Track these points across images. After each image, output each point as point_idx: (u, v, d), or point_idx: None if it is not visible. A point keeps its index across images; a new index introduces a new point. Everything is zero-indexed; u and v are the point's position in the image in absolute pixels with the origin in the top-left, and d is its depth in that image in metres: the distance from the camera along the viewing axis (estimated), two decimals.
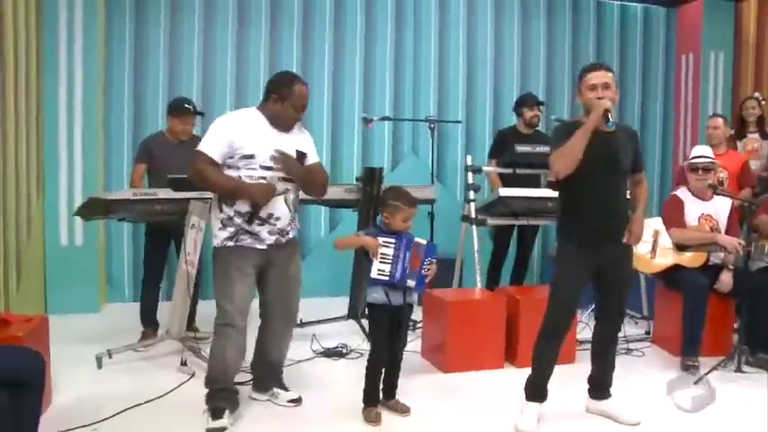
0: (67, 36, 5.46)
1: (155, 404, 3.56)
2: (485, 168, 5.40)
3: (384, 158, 6.58)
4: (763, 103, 5.93)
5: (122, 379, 3.98)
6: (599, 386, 3.62)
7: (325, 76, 6.44)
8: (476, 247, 5.03)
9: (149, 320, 4.75)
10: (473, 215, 5.07)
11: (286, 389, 3.67)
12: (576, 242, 3.35)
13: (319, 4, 6.41)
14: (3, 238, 4.67)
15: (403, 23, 6.65)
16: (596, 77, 3.30)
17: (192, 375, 3.97)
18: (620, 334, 4.69)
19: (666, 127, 7.43)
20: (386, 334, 3.43)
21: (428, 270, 3.44)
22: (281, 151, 3.32)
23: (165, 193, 4.21)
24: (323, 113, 6.43)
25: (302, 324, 4.86)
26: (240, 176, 3.29)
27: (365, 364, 3.51)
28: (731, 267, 4.59)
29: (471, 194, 5.14)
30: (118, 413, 3.39)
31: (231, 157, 3.28)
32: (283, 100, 3.35)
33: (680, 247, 4.57)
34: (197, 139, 4.50)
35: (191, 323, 4.59)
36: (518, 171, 5.21)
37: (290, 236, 3.48)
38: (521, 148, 5.10)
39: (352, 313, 4.88)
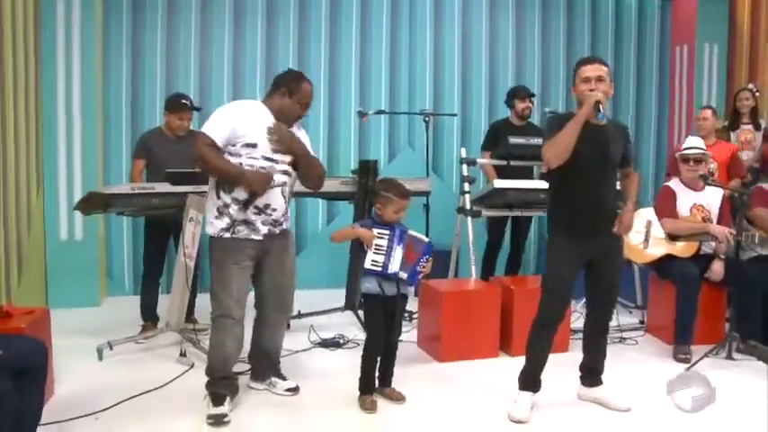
0: (65, 32, 5.49)
1: (154, 394, 3.62)
2: (479, 161, 5.45)
3: (381, 152, 6.63)
4: (758, 94, 5.98)
5: (123, 370, 4.04)
6: (591, 374, 3.68)
7: (321, 70, 6.48)
8: (471, 238, 5.09)
9: (149, 314, 4.81)
10: (468, 207, 5.13)
11: (284, 378, 3.73)
12: (567, 233, 3.40)
13: (315, 1, 6.45)
14: (3, 234, 4.73)
15: (398, 17, 6.69)
16: (590, 70, 3.34)
17: (192, 366, 4.03)
18: (614, 323, 4.82)
19: (661, 118, 7.48)
20: (380, 323, 3.49)
21: (423, 268, 3.52)
22: (277, 123, 3.39)
23: (163, 188, 4.26)
24: (319, 107, 6.46)
25: (300, 315, 4.94)
26: (241, 164, 3.34)
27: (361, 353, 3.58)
28: (722, 257, 4.65)
29: (466, 186, 5.20)
30: (118, 403, 3.46)
31: (233, 145, 3.32)
32: (291, 94, 3.44)
33: (672, 237, 4.63)
34: (194, 135, 4.57)
35: (189, 315, 4.65)
36: (512, 163, 5.26)
37: (284, 227, 3.54)
38: (514, 140, 5.15)
39: (349, 304, 4.94)
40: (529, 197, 5.02)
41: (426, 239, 3.57)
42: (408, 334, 4.65)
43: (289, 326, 4.83)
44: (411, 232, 3.53)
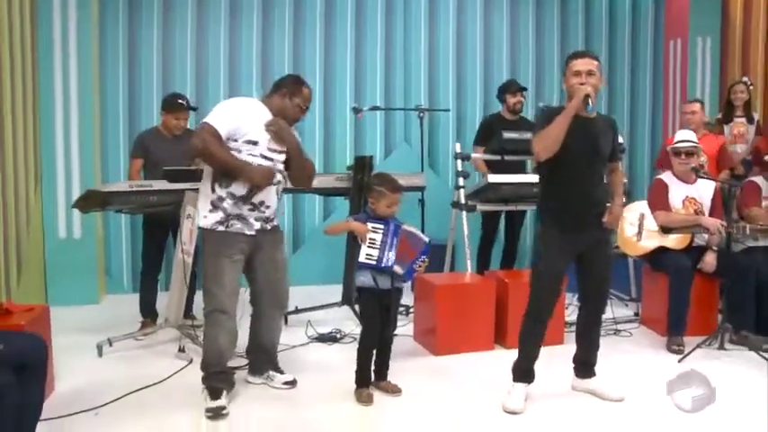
0: (61, 31, 5.52)
1: (154, 389, 3.66)
2: (473, 155, 5.48)
3: (377, 147, 6.67)
4: (752, 87, 6.02)
5: (122, 366, 4.09)
6: (584, 366, 3.72)
7: (316, 66, 6.52)
8: (466, 233, 5.14)
9: (148, 311, 4.85)
10: (463, 201, 5.17)
11: (281, 372, 3.77)
12: (557, 226, 3.44)
13: None
14: (2, 232, 4.77)
15: (393, 13, 6.73)
16: (581, 64, 3.38)
17: (190, 362, 4.06)
18: (609, 316, 4.89)
19: (656, 112, 7.52)
20: (375, 317, 3.53)
21: (420, 267, 3.57)
22: (275, 118, 3.44)
23: (161, 185, 4.29)
24: (315, 104, 6.48)
25: (297, 310, 4.99)
26: None
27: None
28: (715, 249, 4.69)
29: (461, 181, 5.24)
30: (118, 398, 3.50)
31: (235, 140, 3.35)
32: (292, 96, 3.51)
33: (665, 230, 4.67)
34: (191, 134, 4.61)
35: (188, 311, 4.69)
36: (506, 157, 5.29)
37: (275, 223, 3.59)
38: (508, 135, 5.18)
39: (346, 299, 4.98)
40: (522, 191, 5.05)
41: (425, 239, 3.61)
42: (405, 328, 4.70)
43: (286, 321, 4.90)
44: (407, 227, 3.56)
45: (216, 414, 3.31)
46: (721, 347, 4.43)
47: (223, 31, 6.31)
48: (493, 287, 4.52)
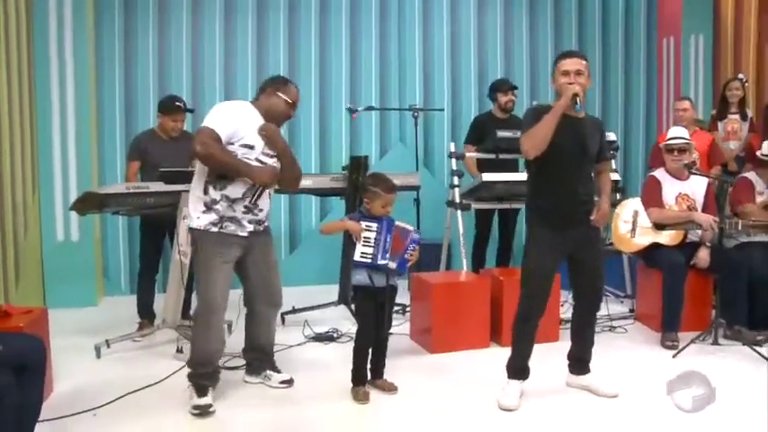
0: (57, 35, 5.55)
1: (152, 390, 3.68)
2: (467, 154, 5.50)
3: (372, 147, 6.70)
4: (747, 84, 6.06)
5: (120, 367, 4.11)
6: (579, 362, 3.75)
7: (311, 67, 6.56)
8: (461, 231, 5.17)
9: (146, 312, 4.87)
10: (458, 200, 5.20)
11: (278, 371, 3.80)
12: (546, 224, 3.47)
13: None
14: (1, 236, 4.79)
15: (387, 14, 6.77)
16: (569, 64, 3.41)
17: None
18: (604, 312, 4.92)
19: (650, 109, 7.56)
20: (371, 315, 3.56)
21: (411, 255, 3.59)
22: (267, 124, 3.47)
23: (158, 187, 4.32)
24: (310, 104, 6.54)
25: (294, 310, 5.02)
26: None
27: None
28: (708, 244, 4.73)
29: (455, 180, 5.27)
30: (116, 399, 3.52)
31: (231, 143, 3.36)
32: (277, 92, 3.53)
33: (658, 226, 4.71)
34: (187, 135, 4.64)
35: (185, 312, 4.70)
36: (500, 156, 5.31)
37: (266, 224, 3.62)
38: (502, 134, 5.20)
39: (343, 298, 5.02)
40: (516, 189, 5.07)
41: (411, 228, 3.64)
42: (401, 327, 4.74)
43: (284, 321, 4.94)
44: (398, 223, 3.60)
45: (203, 411, 3.34)
46: (715, 343, 4.47)
47: (218, 33, 6.34)
48: (488, 285, 4.55)
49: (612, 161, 5.75)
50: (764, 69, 6.56)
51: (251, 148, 3.41)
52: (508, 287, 4.45)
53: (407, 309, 5.00)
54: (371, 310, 3.56)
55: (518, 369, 3.58)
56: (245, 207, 3.45)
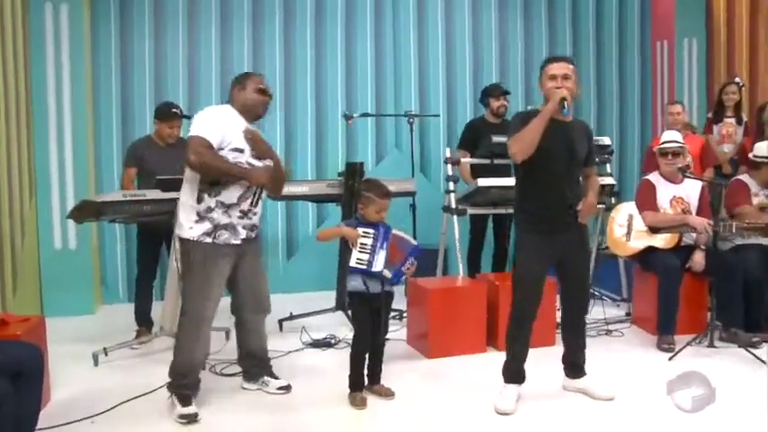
0: (54, 42, 5.57)
1: (149, 398, 3.68)
2: (463, 160, 5.51)
3: (368, 153, 6.72)
4: (744, 88, 6.09)
5: (118, 375, 4.12)
6: (573, 366, 3.77)
7: (307, 74, 6.58)
8: (457, 236, 5.19)
9: (143, 319, 4.87)
10: (453, 205, 5.22)
11: (276, 377, 3.81)
12: (534, 229, 3.49)
13: (300, 6, 6.54)
14: None
15: (382, 21, 6.79)
16: (556, 68, 3.44)
17: None
18: (600, 316, 4.94)
19: (644, 113, 7.58)
20: (367, 321, 3.58)
21: (408, 269, 3.61)
22: (249, 128, 3.48)
23: (154, 194, 4.32)
24: (306, 111, 6.57)
25: (292, 317, 5.03)
26: None
27: None
28: (703, 247, 4.74)
29: (451, 186, 5.30)
30: (114, 407, 3.53)
31: (221, 149, 3.37)
32: (244, 86, 3.55)
33: (653, 230, 4.73)
34: (184, 142, 4.63)
35: None
36: (495, 161, 5.32)
37: (258, 229, 3.64)
38: (497, 139, 5.22)
39: (340, 304, 5.03)
40: (511, 195, 5.01)
41: (414, 242, 3.66)
42: (398, 332, 4.76)
43: (281, 327, 4.96)
44: (396, 231, 3.61)
45: (191, 420, 3.35)
46: (711, 345, 4.48)
47: (214, 39, 6.36)
48: (484, 290, 4.57)
49: (607, 165, 5.83)
50: (757, 72, 6.60)
51: (241, 151, 3.42)
52: (504, 292, 4.44)
53: (404, 314, 5.01)
54: (367, 316, 3.58)
55: (514, 373, 3.59)
56: (241, 212, 3.45)
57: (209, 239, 3.40)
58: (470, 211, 5.30)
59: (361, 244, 3.51)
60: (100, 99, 6.07)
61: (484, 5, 7.07)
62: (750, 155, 5.03)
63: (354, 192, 4.76)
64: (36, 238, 5.57)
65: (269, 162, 3.53)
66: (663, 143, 4.91)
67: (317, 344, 4.65)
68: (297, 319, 5.03)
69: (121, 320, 5.13)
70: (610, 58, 7.47)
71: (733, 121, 5.98)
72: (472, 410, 3.54)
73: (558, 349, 3.97)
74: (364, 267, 3.50)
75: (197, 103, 6.22)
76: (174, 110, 4.85)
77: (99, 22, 6.04)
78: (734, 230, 4.47)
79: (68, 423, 3.32)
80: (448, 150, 5.55)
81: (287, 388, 3.77)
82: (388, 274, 3.54)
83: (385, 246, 3.52)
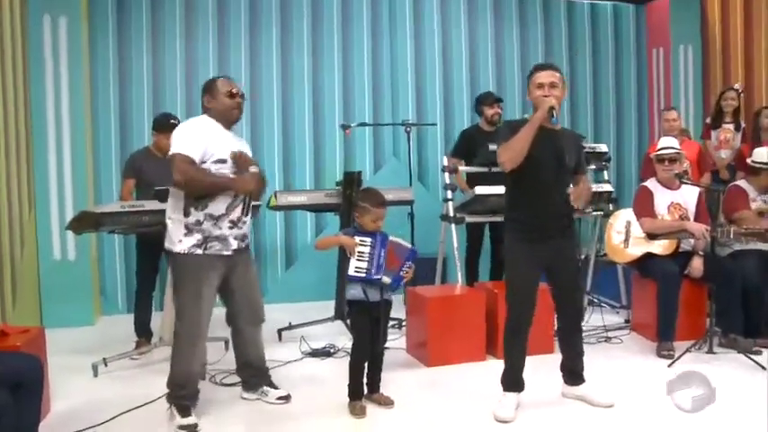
0: (53, 55, 5.60)
1: (149, 408, 3.68)
2: (461, 168, 5.53)
3: (366, 163, 6.75)
4: (742, 94, 6.12)
5: (118, 385, 4.12)
6: (572, 373, 3.77)
7: (305, 85, 6.61)
8: (455, 245, 5.20)
9: (143, 330, 4.87)
10: (451, 214, 5.23)
11: (275, 387, 3.81)
12: (522, 237, 3.50)
13: (297, 17, 6.58)
14: None
15: (379, 31, 6.83)
16: (544, 76, 3.46)
17: None
18: (600, 323, 4.94)
19: (641, 120, 7.63)
20: (366, 330, 3.58)
21: (406, 273, 3.62)
22: (238, 152, 3.45)
23: (153, 205, 4.34)
24: (304, 121, 6.60)
25: (291, 327, 5.04)
26: None
27: None
28: (701, 253, 4.74)
29: (449, 194, 5.31)
30: (114, 417, 3.52)
31: (203, 162, 3.35)
32: (214, 94, 3.51)
33: (651, 236, 4.74)
34: None
35: None
36: (493, 170, 5.33)
37: (248, 240, 3.63)
38: (494, 147, 5.22)
39: (339, 314, 5.03)
40: None
41: (409, 246, 3.68)
42: (397, 341, 4.76)
43: (280, 337, 4.96)
44: (393, 238, 3.63)
45: (190, 431, 3.35)
46: (710, 351, 4.48)
47: (212, 51, 6.39)
48: (483, 298, 4.58)
49: (605, 172, 5.85)
50: (753, 78, 6.63)
51: (224, 162, 3.40)
52: (503, 300, 4.38)
53: (403, 323, 5.01)
54: (366, 325, 3.58)
55: (512, 381, 3.59)
56: (231, 222, 3.44)
57: (199, 251, 3.38)
58: (468, 219, 5.31)
59: (359, 252, 3.52)
60: (98, 111, 6.09)
61: (480, 14, 7.11)
62: (748, 160, 5.05)
63: (352, 201, 4.78)
64: (35, 249, 5.58)
65: (254, 169, 3.51)
66: (660, 149, 4.92)
67: (316, 353, 4.65)
68: (296, 329, 5.03)
69: (121, 331, 5.12)
70: (606, 65, 7.52)
71: (731, 126, 6.01)
72: (471, 419, 3.54)
73: (556, 357, 3.98)
74: (363, 275, 3.51)
75: (195, 114, 6.10)
76: (173, 121, 4.86)
77: (97, 35, 6.06)
78: (732, 236, 4.48)
79: None
80: (445, 159, 5.57)
81: (287, 398, 3.76)
82: (387, 280, 3.55)
83: (383, 253, 3.53)
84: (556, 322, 3.81)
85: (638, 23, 7.55)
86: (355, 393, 3.61)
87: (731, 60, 6.83)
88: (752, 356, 4.29)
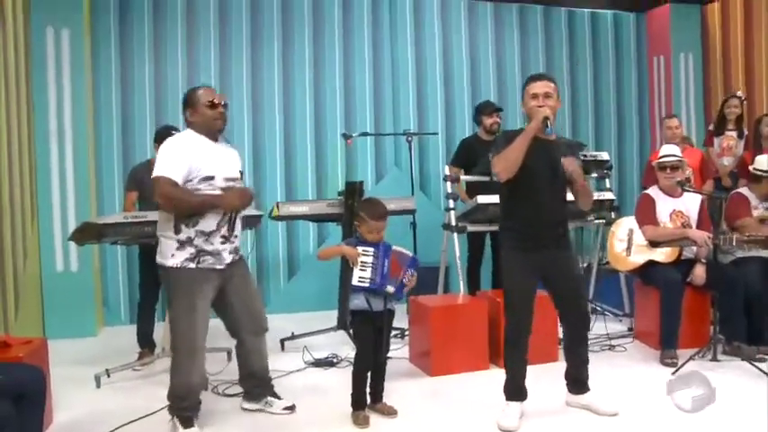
0: (56, 66, 5.63)
1: (151, 419, 3.67)
2: (463, 177, 5.54)
3: (368, 172, 6.76)
4: (745, 102, 6.13)
5: (121, 396, 4.11)
6: (576, 382, 3.76)
7: (306, 95, 6.63)
8: (457, 254, 5.19)
9: (146, 341, 4.87)
10: (453, 223, 5.24)
11: (278, 397, 3.80)
12: (517, 247, 3.50)
13: (298, 28, 6.61)
14: (0, 266, 4.81)
15: (380, 41, 6.86)
16: (538, 87, 3.47)
17: None
18: (603, 331, 4.92)
19: (643, 127, 7.64)
20: (369, 339, 3.57)
21: (409, 281, 3.61)
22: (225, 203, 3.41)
23: (155, 216, 4.33)
24: (306, 132, 6.62)
25: (294, 336, 5.03)
26: None
27: None
28: (704, 261, 4.73)
29: (451, 203, 5.31)
30: (116, 428, 3.52)
31: (190, 180, 3.31)
32: (195, 106, 3.48)
33: (653, 244, 4.74)
34: None
35: None
36: (494, 179, 5.33)
37: (241, 251, 3.60)
38: None
39: (341, 323, 5.02)
40: None
41: (410, 254, 3.68)
42: (400, 350, 4.76)
43: (283, 347, 4.95)
44: (395, 247, 3.62)
45: None
46: (714, 359, 4.47)
47: (213, 62, 6.41)
48: (485, 307, 4.57)
49: (606, 180, 5.85)
50: (753, 86, 6.64)
51: (211, 178, 3.36)
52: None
53: (406, 332, 5.01)
54: (369, 335, 3.57)
55: (515, 391, 3.58)
56: (223, 237, 3.41)
57: (192, 264, 3.35)
58: (470, 228, 5.31)
59: (362, 262, 3.52)
60: (101, 122, 6.11)
61: (480, 23, 7.14)
62: (750, 168, 5.05)
63: (354, 210, 4.78)
64: (38, 260, 5.58)
65: (239, 183, 3.51)
66: (661, 157, 4.93)
67: (318, 363, 4.65)
68: (298, 339, 5.03)
69: (123, 342, 5.13)
70: (607, 73, 7.54)
71: (734, 134, 6.02)
72: (475, 428, 3.52)
73: (560, 365, 3.97)
74: (366, 285, 3.51)
75: None
76: (174, 132, 4.86)
77: (99, 47, 6.09)
78: (734, 243, 4.47)
79: None
80: (447, 168, 5.57)
81: (291, 408, 3.75)
82: (391, 289, 3.54)
83: (386, 262, 3.53)
84: (562, 332, 3.79)
85: (638, 32, 7.57)
86: (358, 403, 3.60)
87: (732, 68, 6.85)
88: (756, 364, 4.27)
